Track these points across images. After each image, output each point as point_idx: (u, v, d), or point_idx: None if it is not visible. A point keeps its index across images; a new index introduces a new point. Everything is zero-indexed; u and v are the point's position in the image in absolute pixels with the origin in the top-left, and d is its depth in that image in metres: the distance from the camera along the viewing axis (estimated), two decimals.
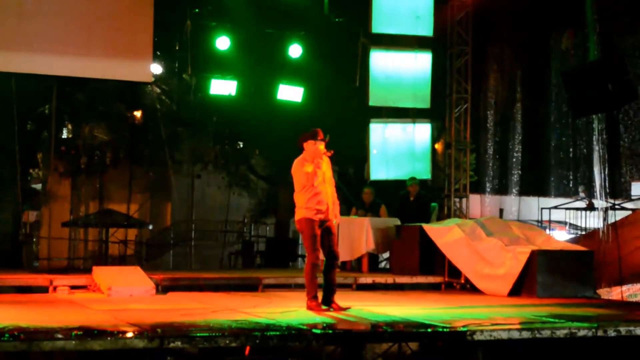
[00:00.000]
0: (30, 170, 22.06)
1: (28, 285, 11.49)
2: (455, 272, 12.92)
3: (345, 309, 9.40)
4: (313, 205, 9.45)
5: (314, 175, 9.44)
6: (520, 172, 24.33)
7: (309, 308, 9.37)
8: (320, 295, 9.51)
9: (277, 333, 7.29)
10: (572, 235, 20.35)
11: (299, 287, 11.33)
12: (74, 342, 6.58)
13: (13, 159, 15.03)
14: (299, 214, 9.55)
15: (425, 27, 16.46)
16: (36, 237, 21.99)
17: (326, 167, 9.66)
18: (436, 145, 19.31)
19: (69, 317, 8.34)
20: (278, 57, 16.93)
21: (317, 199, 9.47)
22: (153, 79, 16.05)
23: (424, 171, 16.50)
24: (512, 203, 24.54)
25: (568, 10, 18.94)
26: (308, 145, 9.57)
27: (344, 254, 14.36)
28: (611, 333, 8.10)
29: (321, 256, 9.56)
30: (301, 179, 9.49)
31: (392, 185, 16.66)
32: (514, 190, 24.44)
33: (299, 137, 9.66)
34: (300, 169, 9.51)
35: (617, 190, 20.66)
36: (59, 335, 6.70)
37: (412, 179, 15.36)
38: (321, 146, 9.55)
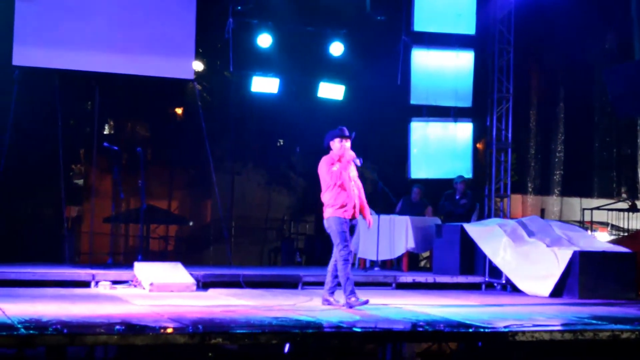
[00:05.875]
0: (73, 166, 22.25)
1: (70, 279, 11.61)
2: (496, 272, 12.86)
3: (363, 303, 9.42)
4: (340, 202, 9.50)
5: (340, 174, 9.48)
6: (562, 172, 24.08)
7: (349, 306, 9.37)
8: (342, 291, 9.55)
9: (317, 331, 7.30)
10: (614, 237, 20.15)
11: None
12: (116, 337, 6.64)
13: (56, 155, 15.19)
14: (327, 213, 9.61)
15: (467, 26, 16.42)
16: (78, 232, 22.17)
17: (351, 168, 9.69)
18: (477, 145, 19.21)
19: (110, 311, 8.41)
20: (319, 55, 16.92)
21: (345, 196, 9.52)
22: (195, 76, 16.11)
23: (464, 170, 16.40)
24: (553, 203, 24.31)
25: (612, 8, 18.76)
26: (334, 144, 9.62)
27: (384, 253, 14.37)
28: None
29: (353, 249, 9.69)
30: (327, 177, 9.53)
31: (432, 184, 16.59)
32: (555, 191, 24.19)
33: (325, 136, 9.71)
34: (326, 167, 9.56)
35: None
36: (101, 330, 6.77)
37: (461, 177, 15.35)
38: (347, 144, 9.62)
